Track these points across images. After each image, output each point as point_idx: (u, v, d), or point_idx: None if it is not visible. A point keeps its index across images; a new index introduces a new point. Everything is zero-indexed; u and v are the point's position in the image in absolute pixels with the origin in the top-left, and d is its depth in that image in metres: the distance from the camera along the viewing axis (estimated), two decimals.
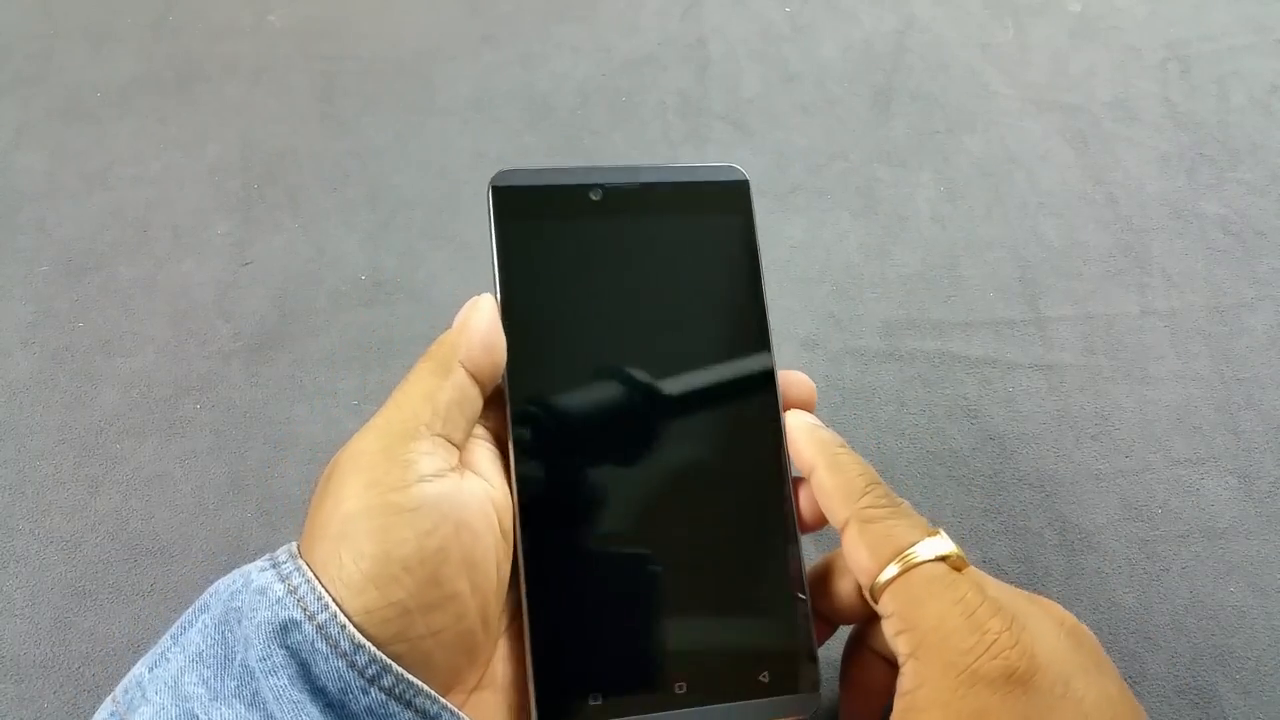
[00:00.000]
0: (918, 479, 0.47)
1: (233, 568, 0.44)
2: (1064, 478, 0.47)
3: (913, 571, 0.25)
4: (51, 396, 0.48)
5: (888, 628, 0.25)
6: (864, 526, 0.26)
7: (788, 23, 0.66)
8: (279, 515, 0.45)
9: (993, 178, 0.59)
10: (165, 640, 0.24)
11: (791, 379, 0.31)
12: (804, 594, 0.28)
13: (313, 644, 0.22)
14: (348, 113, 0.60)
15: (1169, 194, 0.58)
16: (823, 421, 0.31)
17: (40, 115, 0.59)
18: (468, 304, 0.29)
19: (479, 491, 0.25)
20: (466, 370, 0.27)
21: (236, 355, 0.49)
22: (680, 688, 0.26)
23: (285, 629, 0.22)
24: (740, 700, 0.26)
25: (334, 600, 0.22)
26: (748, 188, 0.31)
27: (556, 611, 0.25)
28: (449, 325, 0.29)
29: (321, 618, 0.22)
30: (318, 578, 0.23)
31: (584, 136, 0.59)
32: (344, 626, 0.22)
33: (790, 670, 0.27)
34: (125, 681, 0.23)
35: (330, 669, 0.22)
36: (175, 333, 0.50)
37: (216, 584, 0.24)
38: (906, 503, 0.28)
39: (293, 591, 0.22)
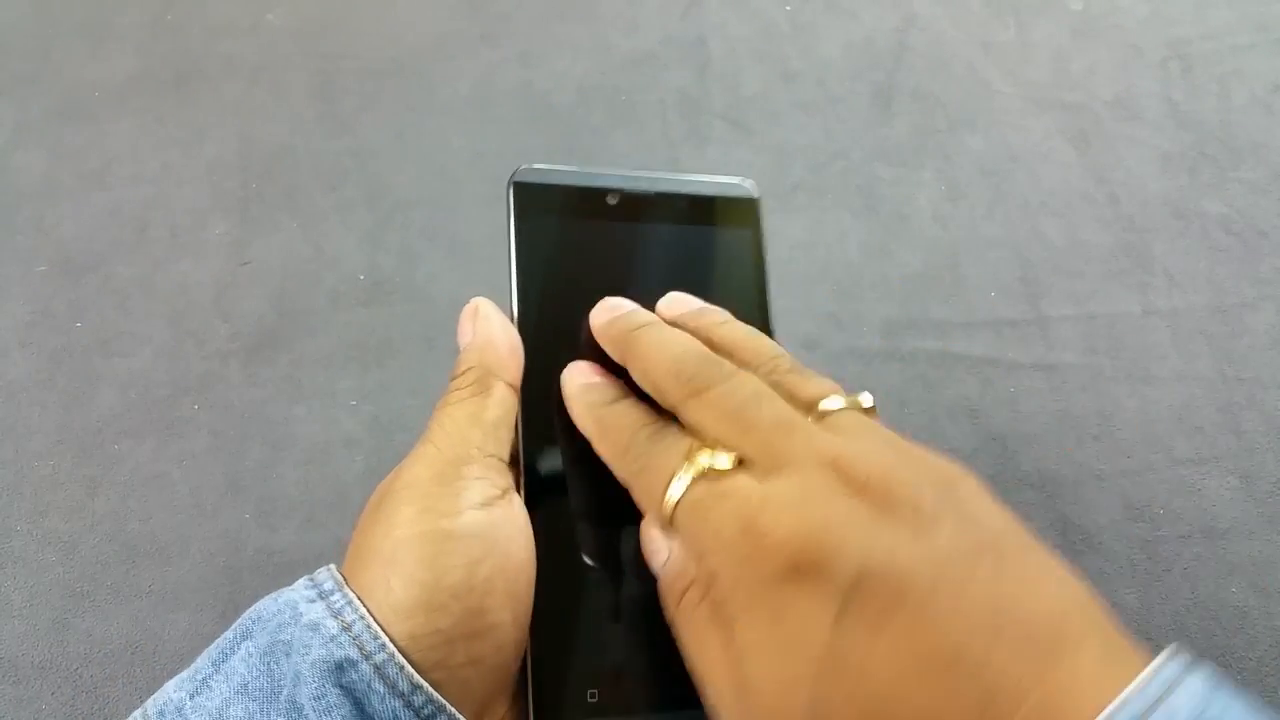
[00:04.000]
0: None
1: (231, 569, 0.44)
2: (1066, 478, 0.47)
3: (677, 510, 0.22)
4: (49, 397, 0.48)
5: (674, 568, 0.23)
6: (631, 486, 0.24)
7: (788, 21, 0.66)
8: (277, 516, 0.45)
9: (994, 177, 0.58)
10: (204, 665, 0.23)
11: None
12: None
13: (369, 684, 0.22)
14: (346, 112, 0.59)
15: (1171, 193, 0.58)
16: None
17: (38, 114, 0.58)
18: (468, 313, 0.28)
19: (524, 519, 0.25)
20: (505, 382, 0.27)
21: (235, 355, 0.49)
22: (680, 689, 0.26)
23: (340, 668, 0.22)
24: None
25: (390, 639, 0.22)
26: (758, 205, 0.31)
27: (558, 604, 0.25)
28: (448, 326, 0.29)
29: (379, 658, 0.22)
30: (370, 612, 0.23)
31: (584, 135, 0.59)
32: (402, 667, 0.22)
33: None
34: (159, 704, 0.23)
35: (386, 709, 0.22)
36: (173, 333, 0.50)
37: (257, 609, 0.24)
38: (673, 425, 0.24)
39: (347, 629, 0.22)
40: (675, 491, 0.22)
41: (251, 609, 0.24)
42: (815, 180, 0.58)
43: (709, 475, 0.22)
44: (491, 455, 0.25)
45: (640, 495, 0.24)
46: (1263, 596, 0.44)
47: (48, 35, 0.62)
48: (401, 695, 0.22)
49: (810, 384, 0.24)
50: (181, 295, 0.51)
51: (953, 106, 0.62)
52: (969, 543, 0.19)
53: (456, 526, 0.23)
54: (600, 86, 0.61)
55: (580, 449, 0.27)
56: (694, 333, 0.26)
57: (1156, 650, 0.18)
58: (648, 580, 0.26)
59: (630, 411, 0.25)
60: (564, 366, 0.28)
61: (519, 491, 0.26)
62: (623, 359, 0.26)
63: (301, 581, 0.24)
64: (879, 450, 0.21)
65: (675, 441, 0.24)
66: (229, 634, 0.24)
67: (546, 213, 0.29)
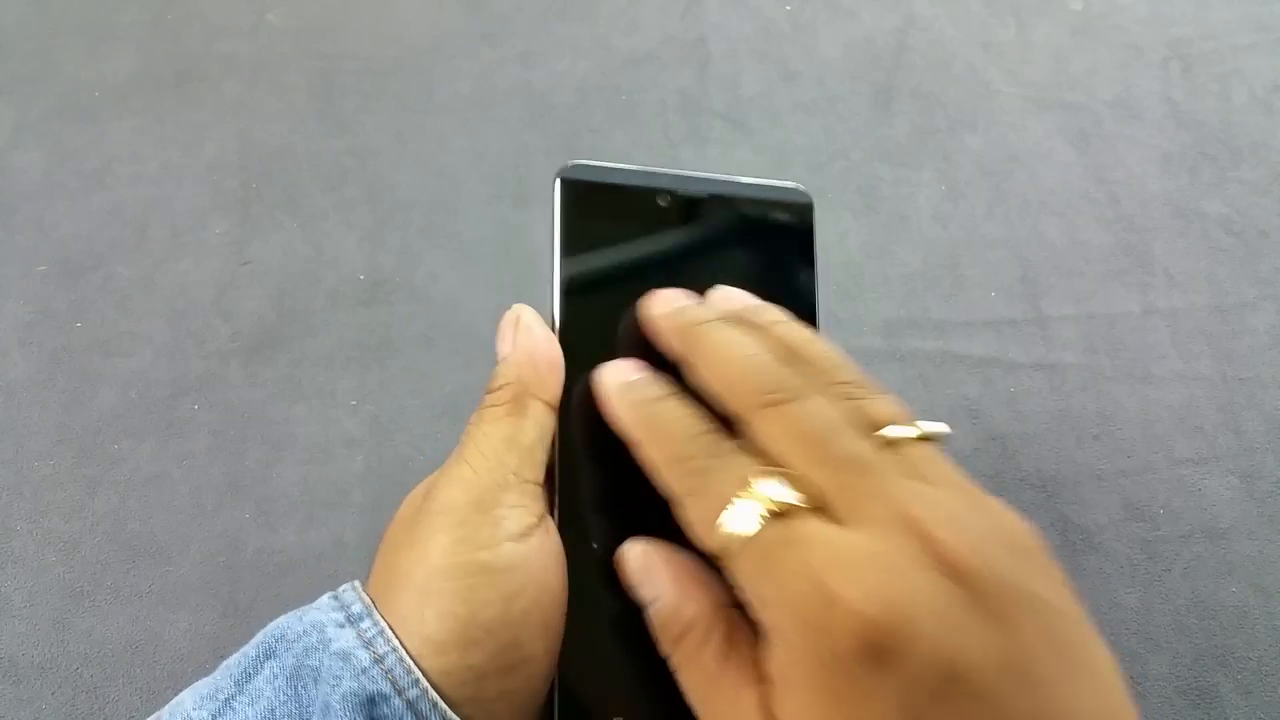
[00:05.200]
0: None
1: (231, 569, 0.44)
2: (1066, 478, 0.47)
3: (744, 548, 0.20)
4: (49, 397, 0.48)
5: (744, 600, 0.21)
6: (680, 503, 0.22)
7: (788, 21, 0.66)
8: (277, 516, 0.45)
9: (994, 176, 0.58)
10: (224, 682, 0.23)
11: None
12: None
13: (401, 719, 0.22)
14: (346, 111, 0.59)
15: (1171, 193, 0.58)
16: None
17: (38, 114, 0.58)
18: (509, 322, 0.26)
19: (558, 548, 0.25)
20: (542, 402, 0.25)
21: (235, 355, 0.49)
22: None
23: (373, 701, 0.21)
24: None
25: (423, 674, 0.22)
26: (812, 211, 0.30)
27: (585, 631, 0.25)
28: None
29: (412, 693, 0.22)
30: (403, 644, 0.22)
31: (584, 135, 0.59)
32: (435, 704, 0.22)
33: None
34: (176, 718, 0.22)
35: None
36: (173, 333, 0.50)
37: (280, 626, 0.23)
38: (733, 437, 0.22)
39: (379, 661, 0.22)
40: (738, 524, 0.20)
41: (274, 625, 0.24)
42: (815, 180, 0.58)
43: (778, 513, 0.20)
44: (528, 481, 0.24)
45: (691, 516, 0.21)
46: (1263, 596, 0.44)
47: (48, 35, 0.62)
48: None
49: (878, 404, 0.22)
50: (181, 295, 0.51)
51: (953, 106, 0.62)
52: (1044, 639, 0.18)
53: (494, 559, 0.23)
54: (600, 86, 0.61)
55: (618, 469, 0.25)
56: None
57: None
58: None
59: (683, 411, 0.23)
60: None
61: (552, 512, 0.25)
62: (683, 355, 0.24)
63: (326, 600, 0.24)
64: (961, 513, 0.20)
65: (738, 459, 0.21)
66: (250, 650, 0.23)
67: (594, 214, 0.27)
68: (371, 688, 0.21)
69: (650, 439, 0.23)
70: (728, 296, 0.26)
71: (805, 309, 0.28)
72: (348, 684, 0.21)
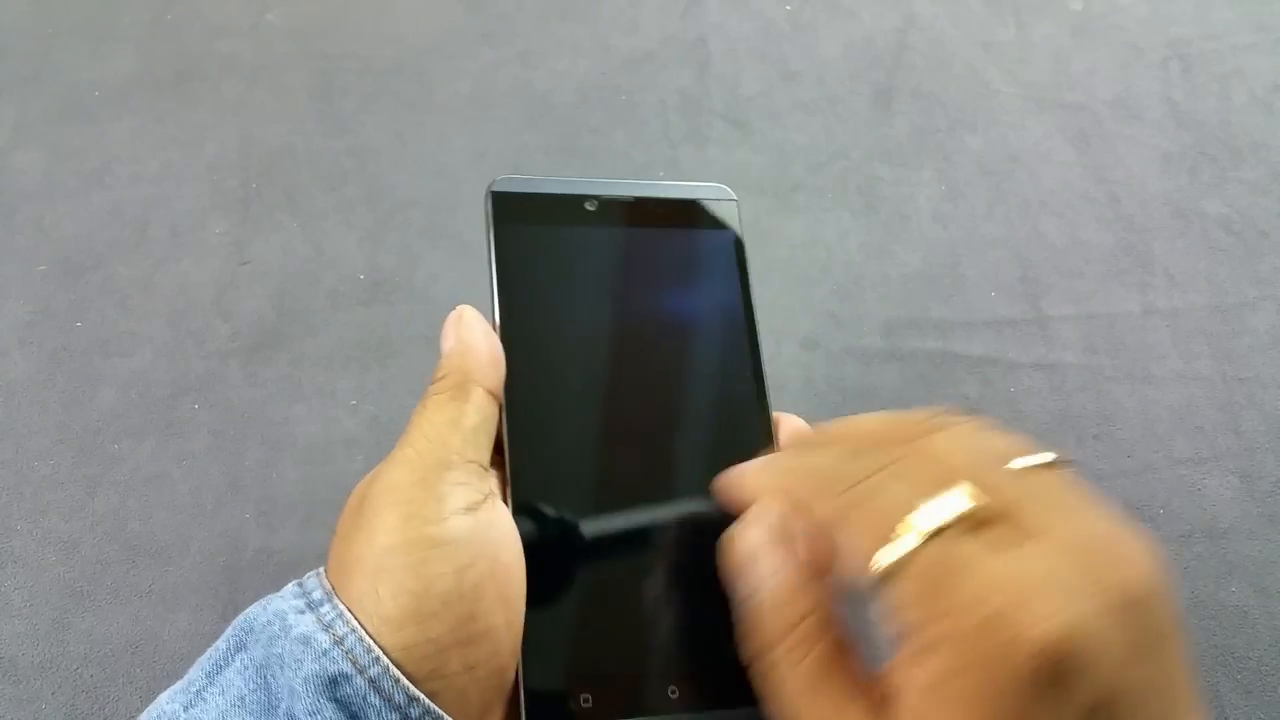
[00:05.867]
0: None
1: (231, 569, 0.44)
2: None
3: (905, 568, 0.19)
4: (49, 397, 0.48)
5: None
6: (838, 522, 0.21)
7: (788, 21, 0.66)
8: (277, 516, 0.45)
9: (994, 176, 0.58)
10: (197, 676, 0.23)
11: (784, 425, 0.28)
12: None
13: (364, 698, 0.22)
14: (346, 111, 0.59)
15: (1171, 193, 0.58)
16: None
17: (38, 114, 0.58)
18: (452, 320, 0.28)
19: (509, 523, 0.25)
20: (484, 389, 0.26)
21: (234, 355, 0.49)
22: (673, 692, 0.26)
23: (335, 682, 0.22)
24: (732, 708, 0.26)
25: (383, 652, 0.22)
26: (736, 208, 0.32)
27: (547, 610, 0.25)
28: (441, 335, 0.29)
29: (373, 671, 0.22)
30: (361, 624, 0.22)
31: (583, 135, 0.59)
32: (397, 680, 0.22)
33: None
34: (153, 717, 0.23)
35: None
36: (173, 332, 0.50)
37: (248, 618, 0.24)
38: (887, 470, 0.21)
39: (339, 642, 0.22)
40: (900, 545, 0.19)
41: (241, 617, 0.24)
42: (815, 180, 0.58)
43: (952, 528, 0.19)
44: (472, 461, 0.25)
45: (848, 538, 0.20)
46: (1263, 596, 0.44)
47: (48, 35, 0.62)
48: (398, 708, 0.22)
49: (999, 437, 0.22)
50: (181, 295, 0.51)
51: (953, 106, 0.62)
52: (1179, 669, 0.19)
53: (442, 532, 0.23)
54: (600, 86, 0.61)
55: (569, 456, 0.27)
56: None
57: None
58: (638, 583, 0.26)
59: (831, 453, 0.22)
60: (547, 371, 0.28)
61: (505, 499, 0.26)
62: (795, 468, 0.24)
63: (290, 588, 0.24)
64: (1117, 539, 0.19)
65: (896, 480, 0.20)
66: (221, 644, 0.24)
67: (525, 221, 0.30)
68: (333, 668, 0.22)
69: (799, 484, 0.22)
70: (795, 430, 0.27)
71: (736, 303, 0.30)
72: (309, 666, 0.22)
